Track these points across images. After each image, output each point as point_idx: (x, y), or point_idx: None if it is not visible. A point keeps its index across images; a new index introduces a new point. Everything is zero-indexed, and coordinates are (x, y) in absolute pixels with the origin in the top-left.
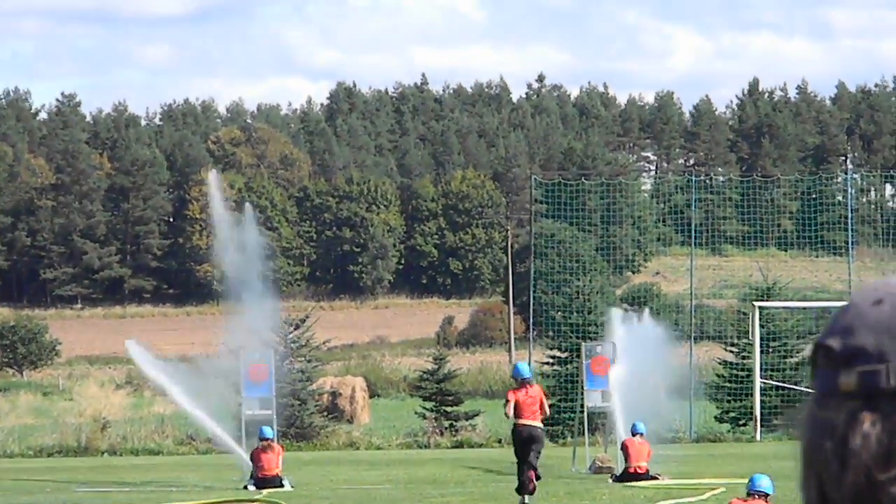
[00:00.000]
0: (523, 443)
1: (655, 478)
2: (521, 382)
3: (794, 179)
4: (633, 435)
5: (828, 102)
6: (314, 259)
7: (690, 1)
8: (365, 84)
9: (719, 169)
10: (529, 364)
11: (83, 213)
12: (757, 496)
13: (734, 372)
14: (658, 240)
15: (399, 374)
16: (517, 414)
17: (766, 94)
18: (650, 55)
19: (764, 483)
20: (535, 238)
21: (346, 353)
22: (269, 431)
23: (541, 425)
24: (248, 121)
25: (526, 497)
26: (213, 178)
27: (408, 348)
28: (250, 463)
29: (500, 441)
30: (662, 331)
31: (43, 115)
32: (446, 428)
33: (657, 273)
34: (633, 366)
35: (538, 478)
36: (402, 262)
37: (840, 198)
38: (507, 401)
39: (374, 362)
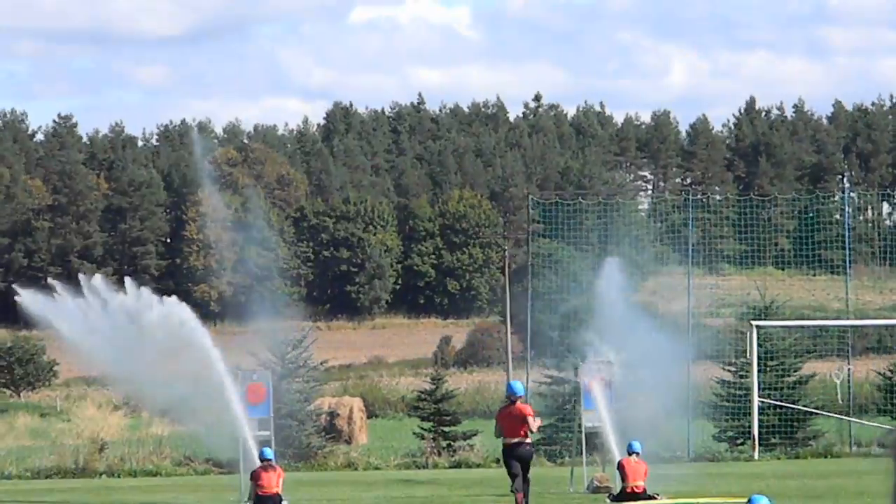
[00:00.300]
0: (509, 459)
1: (653, 497)
2: (509, 401)
3: (791, 198)
4: (630, 454)
5: (824, 121)
6: (311, 279)
7: (686, 20)
8: (361, 104)
9: (716, 188)
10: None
11: (80, 233)
12: None
13: (732, 391)
14: (655, 259)
15: (397, 395)
16: (501, 433)
17: (763, 113)
18: (646, 74)
19: None
20: (532, 258)
21: (344, 373)
22: (269, 452)
23: (525, 440)
24: (245, 141)
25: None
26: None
27: (405, 368)
28: (249, 482)
29: (497, 461)
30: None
31: (40, 137)
32: (444, 448)
33: (654, 292)
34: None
35: (524, 496)
36: (400, 282)
37: (837, 216)
38: (496, 421)
39: (372, 382)
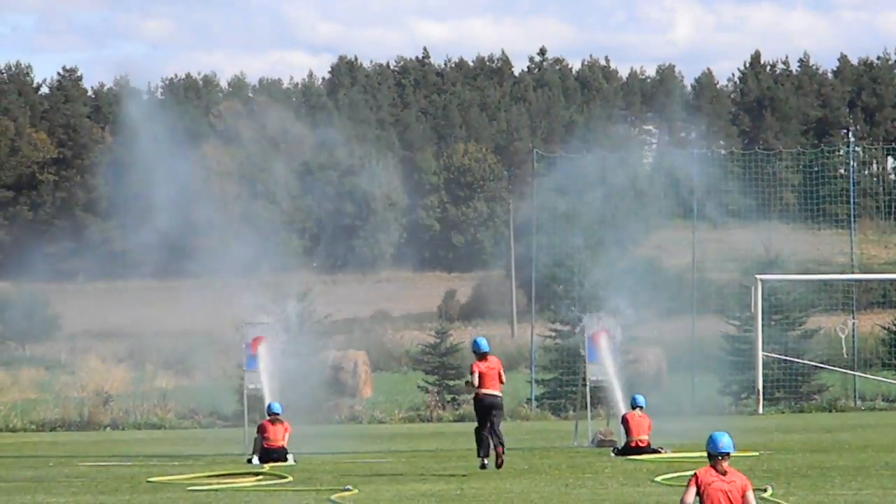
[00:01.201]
0: (485, 410)
1: (657, 451)
2: (480, 355)
3: (795, 152)
4: (633, 408)
5: (830, 75)
6: (315, 233)
7: None
8: (366, 58)
9: (721, 142)
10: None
11: (85, 187)
12: (721, 457)
13: (736, 345)
14: (660, 213)
15: (401, 348)
16: (480, 384)
17: (768, 67)
18: (651, 28)
19: (725, 442)
20: (537, 212)
21: (348, 326)
22: (277, 406)
23: (500, 394)
24: (250, 94)
25: (486, 460)
26: None
27: (410, 322)
28: (255, 434)
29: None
30: None
31: (44, 90)
32: (448, 401)
33: (659, 246)
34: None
35: (503, 448)
36: (404, 235)
37: (842, 171)
38: (472, 372)
39: (377, 336)
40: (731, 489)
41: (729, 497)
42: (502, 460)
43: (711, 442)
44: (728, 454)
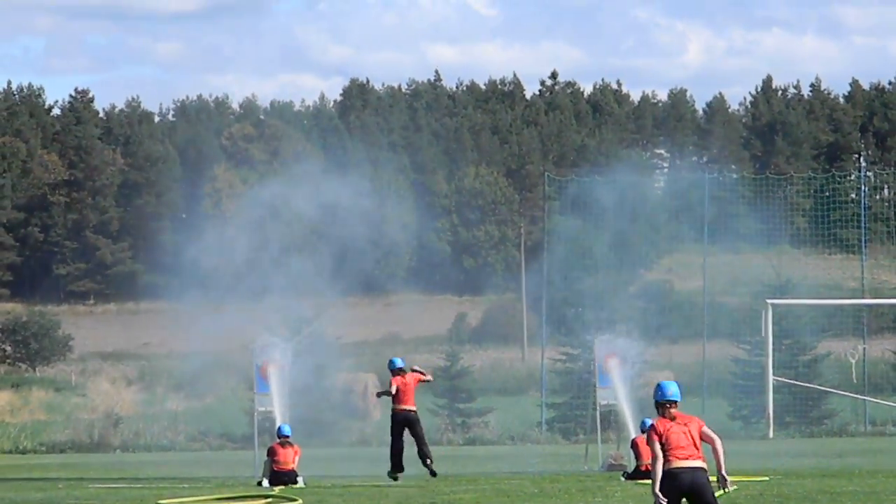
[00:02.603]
0: (400, 425)
1: None
2: (397, 370)
3: (807, 177)
4: (643, 432)
5: (841, 100)
6: (326, 255)
7: None
8: (378, 81)
9: (732, 166)
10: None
11: (96, 208)
12: (668, 405)
13: (747, 369)
14: (671, 237)
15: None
16: (397, 399)
17: (780, 92)
18: (663, 52)
19: (673, 390)
20: (548, 235)
21: (359, 349)
22: (287, 429)
23: (415, 409)
24: (262, 117)
25: (399, 475)
26: None
27: (420, 345)
28: (265, 457)
29: (512, 438)
30: None
31: (56, 111)
32: (459, 425)
33: (670, 270)
34: None
35: (431, 460)
36: (415, 258)
37: (853, 195)
38: (392, 384)
39: (387, 359)
40: (689, 429)
41: (689, 436)
42: (433, 470)
43: (659, 390)
44: (675, 402)
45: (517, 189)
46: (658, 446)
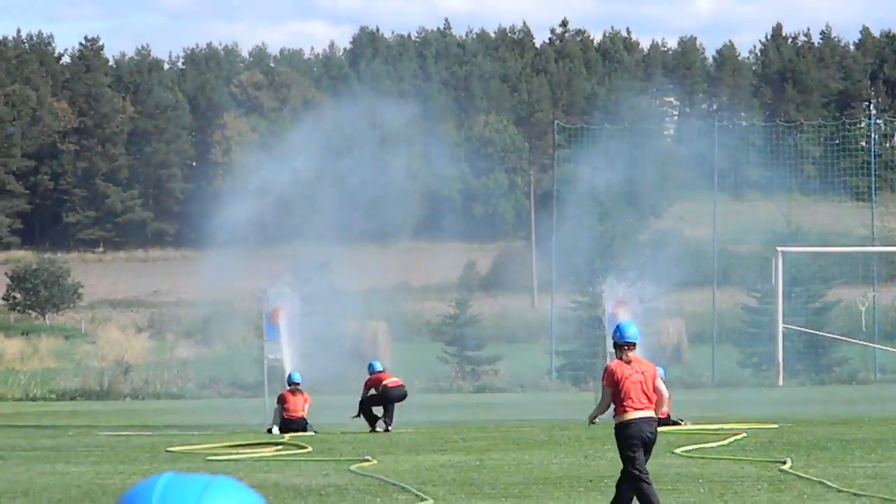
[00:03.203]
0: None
1: (677, 423)
2: (378, 373)
3: (817, 125)
4: None
5: (852, 48)
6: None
7: None
8: (388, 29)
9: (742, 114)
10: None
11: (106, 156)
12: (627, 346)
13: (757, 317)
14: (681, 185)
15: (421, 319)
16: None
17: (790, 40)
18: (673, 0)
19: (631, 332)
20: (557, 183)
21: (368, 297)
22: (297, 376)
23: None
24: (271, 65)
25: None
26: None
27: (430, 293)
28: (275, 405)
29: (521, 386)
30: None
31: (66, 59)
32: (468, 372)
33: (680, 218)
34: None
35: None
36: (425, 206)
37: (863, 143)
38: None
39: (396, 307)
40: (645, 378)
41: (643, 387)
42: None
43: (618, 331)
44: (633, 343)
45: (527, 137)
46: (609, 390)
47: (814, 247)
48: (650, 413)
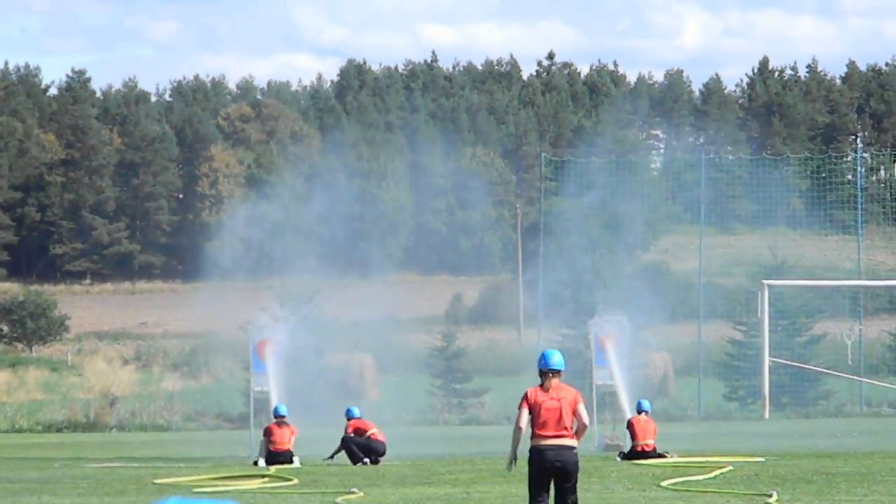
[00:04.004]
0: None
1: (663, 456)
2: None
3: (803, 158)
4: (639, 413)
5: (838, 81)
6: (323, 235)
7: None
8: (375, 61)
9: (729, 147)
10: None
11: (93, 188)
12: (551, 374)
13: (743, 350)
14: (667, 218)
15: (408, 351)
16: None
17: (776, 73)
18: (660, 33)
19: (556, 359)
20: (544, 216)
21: (355, 329)
22: (283, 409)
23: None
24: (258, 97)
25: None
26: None
27: (417, 325)
28: (262, 437)
29: (508, 418)
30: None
31: (53, 91)
32: (455, 405)
33: (666, 251)
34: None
35: None
36: (412, 239)
37: (850, 177)
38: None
39: (383, 339)
40: (562, 405)
41: (559, 413)
42: None
43: (543, 359)
44: (559, 371)
45: (514, 170)
46: (524, 413)
47: (800, 280)
48: (564, 441)
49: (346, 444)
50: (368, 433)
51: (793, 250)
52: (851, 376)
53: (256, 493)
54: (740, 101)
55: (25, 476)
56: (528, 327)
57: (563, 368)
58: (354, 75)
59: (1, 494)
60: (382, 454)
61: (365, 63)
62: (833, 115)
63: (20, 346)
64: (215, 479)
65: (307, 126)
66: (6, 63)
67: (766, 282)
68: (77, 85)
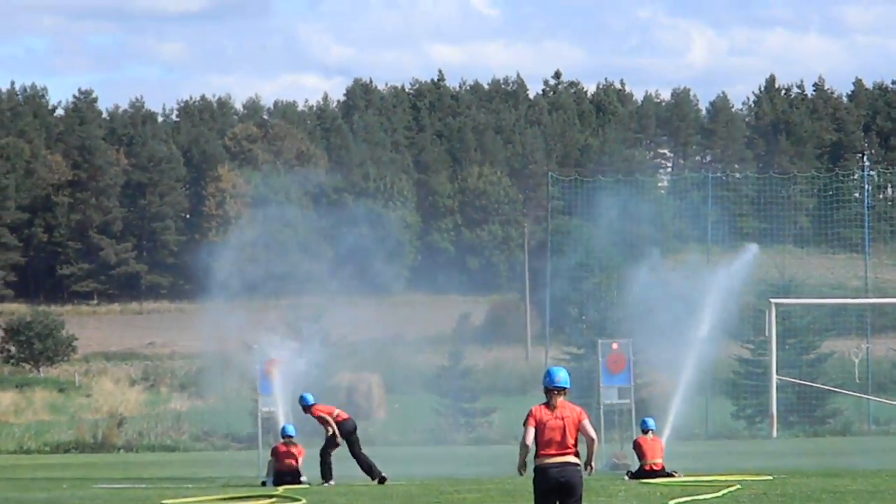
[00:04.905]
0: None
1: (671, 475)
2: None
3: (810, 176)
4: (644, 432)
5: (844, 99)
6: (330, 255)
7: None
8: (381, 81)
9: (736, 166)
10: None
11: (100, 209)
12: (556, 392)
13: (751, 369)
14: (674, 237)
15: (416, 371)
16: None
17: (783, 91)
18: (666, 52)
19: (561, 377)
20: (551, 235)
21: (363, 349)
22: (291, 429)
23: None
24: (265, 117)
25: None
26: None
27: (424, 345)
28: (269, 457)
29: (516, 438)
30: None
31: (60, 112)
32: (462, 424)
33: (673, 270)
34: None
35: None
36: (419, 258)
37: (857, 195)
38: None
39: (391, 358)
40: (565, 424)
41: (563, 432)
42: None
43: (548, 376)
44: (564, 389)
45: (521, 189)
46: (531, 431)
47: (807, 298)
48: (567, 458)
49: (323, 456)
50: (335, 414)
51: (800, 269)
52: (859, 394)
53: None
54: (747, 120)
55: (33, 497)
56: (535, 346)
57: (568, 386)
58: (361, 95)
59: None
60: (354, 430)
61: (371, 82)
62: (840, 133)
63: (28, 366)
64: (223, 499)
65: (314, 146)
66: (13, 83)
67: (773, 300)
68: (84, 105)
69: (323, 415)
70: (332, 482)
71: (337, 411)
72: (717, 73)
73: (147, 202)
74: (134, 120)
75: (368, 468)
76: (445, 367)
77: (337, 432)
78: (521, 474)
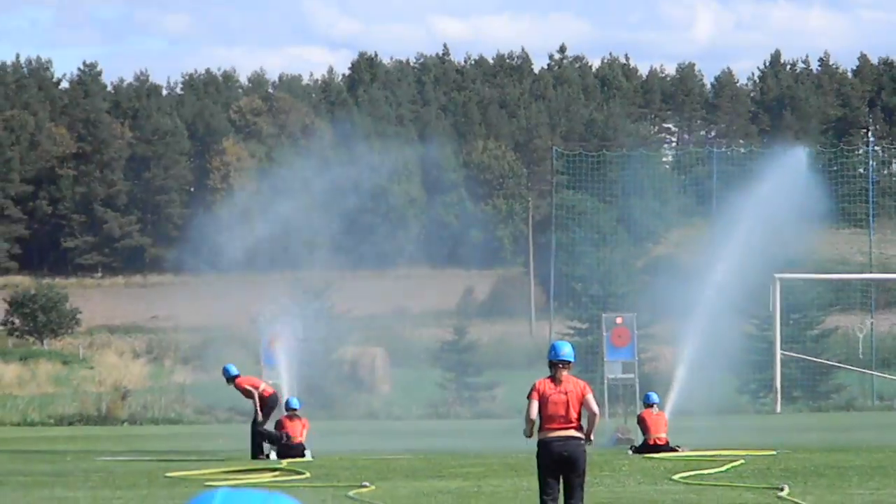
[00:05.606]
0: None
1: (675, 449)
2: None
3: (815, 151)
4: (648, 406)
5: (849, 74)
6: (334, 229)
7: None
8: (386, 54)
9: (740, 140)
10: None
11: (104, 181)
12: (561, 365)
13: (755, 344)
14: (679, 211)
15: (420, 345)
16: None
17: (788, 66)
18: (671, 26)
19: (566, 351)
20: (555, 209)
21: (367, 322)
22: (295, 402)
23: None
24: (270, 90)
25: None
26: None
27: (428, 319)
28: (273, 431)
29: (519, 412)
30: None
31: (64, 84)
32: (466, 398)
33: (677, 245)
34: None
35: None
36: (423, 232)
37: (861, 170)
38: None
39: (395, 332)
40: (569, 398)
41: (567, 406)
42: None
43: (552, 350)
44: (568, 363)
45: (525, 163)
46: (535, 405)
47: (811, 273)
48: (570, 432)
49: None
50: (261, 389)
51: (804, 244)
52: (863, 370)
53: (268, 486)
54: (752, 95)
55: (37, 469)
56: (539, 320)
57: (572, 360)
58: (366, 68)
59: (12, 488)
60: (275, 408)
61: (376, 56)
62: (844, 109)
63: (31, 339)
64: (227, 472)
65: (318, 119)
66: (17, 56)
67: (777, 275)
68: (88, 78)
69: (248, 387)
70: (264, 456)
71: (263, 385)
72: (722, 48)
73: (151, 175)
74: (139, 93)
75: (258, 445)
76: (449, 341)
77: (258, 407)
78: (529, 436)
